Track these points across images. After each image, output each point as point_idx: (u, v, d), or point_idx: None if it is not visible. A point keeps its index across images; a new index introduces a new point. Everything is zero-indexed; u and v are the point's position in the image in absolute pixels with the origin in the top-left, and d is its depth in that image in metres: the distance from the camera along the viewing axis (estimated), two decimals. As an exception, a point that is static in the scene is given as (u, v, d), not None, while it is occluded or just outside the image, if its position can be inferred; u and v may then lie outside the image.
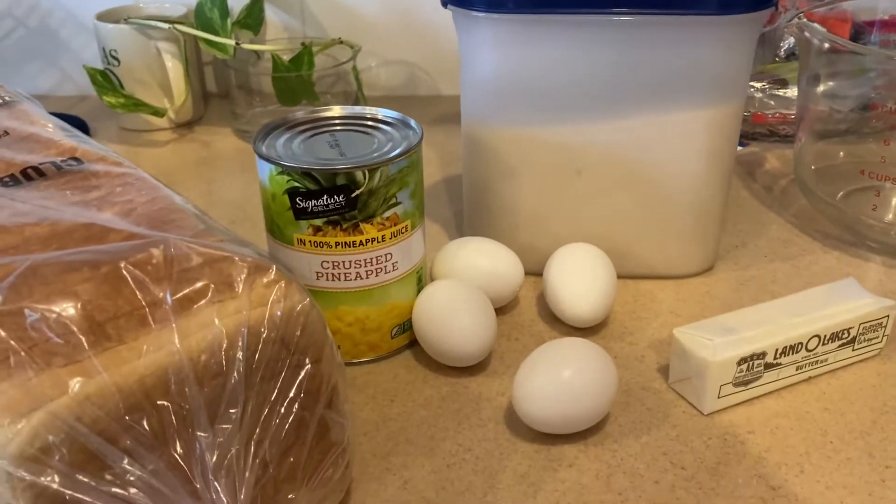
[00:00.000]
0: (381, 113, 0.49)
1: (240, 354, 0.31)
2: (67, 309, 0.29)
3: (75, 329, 0.29)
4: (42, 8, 0.87)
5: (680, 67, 0.49)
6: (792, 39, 0.76)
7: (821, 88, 0.62)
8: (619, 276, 0.54)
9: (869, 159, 0.58)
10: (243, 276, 0.32)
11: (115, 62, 0.78)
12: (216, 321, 0.31)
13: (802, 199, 0.65)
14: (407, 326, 0.49)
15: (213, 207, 0.68)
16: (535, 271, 0.54)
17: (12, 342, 0.28)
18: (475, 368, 0.48)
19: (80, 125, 0.81)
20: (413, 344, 0.50)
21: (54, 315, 0.29)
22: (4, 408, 0.27)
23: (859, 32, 0.71)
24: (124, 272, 0.30)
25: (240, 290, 0.32)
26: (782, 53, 0.77)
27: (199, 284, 0.31)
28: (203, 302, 0.31)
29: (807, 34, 0.58)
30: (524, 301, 0.54)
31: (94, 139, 0.81)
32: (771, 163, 0.73)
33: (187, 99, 0.79)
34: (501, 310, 0.53)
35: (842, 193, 0.62)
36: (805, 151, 0.63)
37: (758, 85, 0.75)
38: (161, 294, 0.30)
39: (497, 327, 0.48)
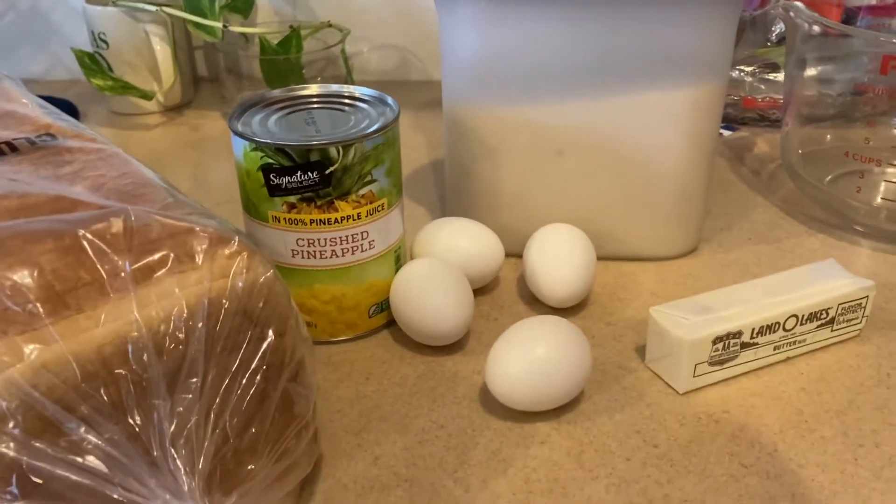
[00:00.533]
0: (359, 91, 0.49)
1: (200, 325, 0.31)
2: (25, 277, 0.29)
3: (32, 297, 0.29)
4: (33, -9, 0.87)
5: (661, 46, 0.49)
6: (783, 23, 0.75)
7: (808, 72, 0.62)
8: (601, 258, 0.54)
9: (854, 142, 0.58)
10: (204, 247, 0.32)
11: (104, 45, 0.78)
12: (176, 291, 0.31)
13: (790, 184, 0.64)
14: (385, 306, 0.49)
15: (199, 190, 0.68)
16: (516, 252, 0.54)
17: (-32, 309, 0.28)
18: (452, 347, 0.48)
19: (70, 108, 0.81)
20: (391, 323, 0.50)
21: (10, 283, 0.29)
22: (-41, 374, 0.27)
23: (850, 17, 0.71)
24: (83, 242, 0.30)
25: (201, 261, 0.31)
26: (774, 37, 0.76)
27: (159, 255, 0.31)
28: (163, 272, 0.31)
29: (793, 16, 0.58)
30: (504, 282, 0.54)
31: (84, 123, 0.81)
32: (760, 147, 0.72)
33: (175, 82, 0.79)
34: (482, 290, 0.53)
35: (829, 177, 0.62)
36: (792, 136, 0.63)
37: (748, 69, 0.75)
38: (121, 263, 0.30)
39: (475, 307, 0.48)
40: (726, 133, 0.75)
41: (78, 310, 0.29)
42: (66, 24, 0.89)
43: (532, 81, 0.51)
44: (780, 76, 0.74)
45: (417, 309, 0.46)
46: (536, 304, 0.52)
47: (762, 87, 0.74)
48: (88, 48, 0.79)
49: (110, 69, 0.78)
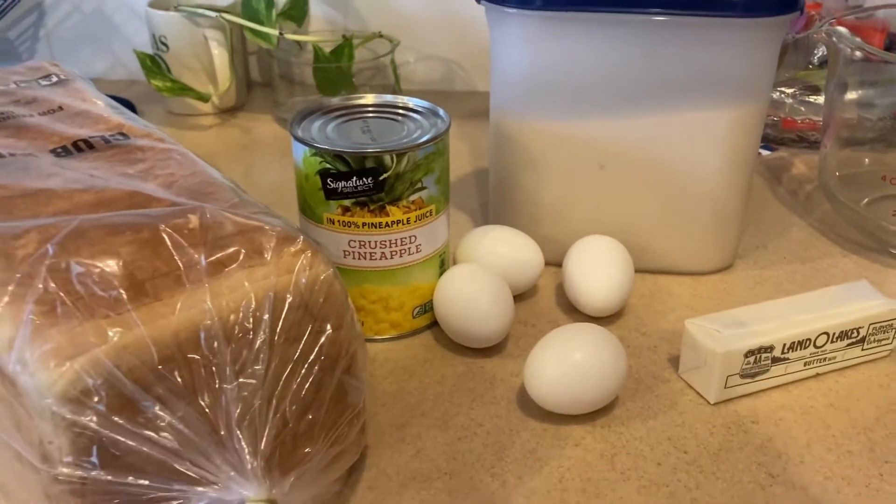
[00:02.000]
0: (412, 102, 0.51)
1: (266, 316, 0.33)
2: (111, 265, 0.32)
3: (117, 284, 0.32)
4: (98, -6, 0.91)
5: (705, 67, 0.51)
6: (826, 47, 0.76)
7: (848, 96, 0.63)
8: (638, 270, 0.56)
9: (892, 166, 0.59)
10: (272, 245, 0.34)
11: (164, 48, 0.81)
12: (246, 284, 0.33)
13: (826, 205, 0.66)
14: (428, 307, 0.51)
15: (251, 190, 0.70)
16: (555, 262, 0.56)
17: (60, 293, 0.31)
18: (491, 350, 0.50)
19: (130, 107, 0.84)
20: (433, 325, 0.52)
21: (98, 270, 0.32)
22: (51, 352, 0.30)
23: (894, 42, 0.72)
24: (163, 235, 0.33)
25: (268, 258, 0.34)
26: (815, 61, 0.77)
27: (231, 250, 0.34)
28: (234, 266, 0.33)
29: (836, 41, 0.59)
30: (543, 290, 0.56)
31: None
32: (798, 168, 0.74)
33: (231, 86, 0.82)
34: (520, 297, 0.55)
35: (866, 200, 0.63)
36: (830, 158, 0.64)
37: (789, 91, 0.76)
38: (196, 257, 0.33)
39: (514, 312, 0.50)
40: (765, 153, 0.76)
41: (156, 297, 0.32)
42: (127, 26, 0.92)
43: (577, 97, 0.53)
44: (820, 99, 0.75)
45: (460, 311, 0.49)
46: (574, 312, 0.54)
47: (802, 108, 0.76)
48: (148, 50, 0.83)
49: (169, 71, 0.82)
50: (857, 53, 0.59)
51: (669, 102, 0.52)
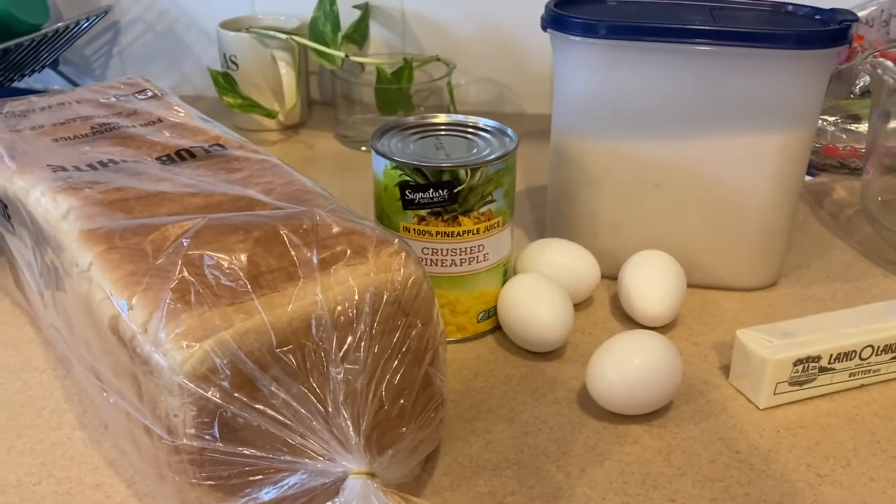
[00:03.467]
0: (482, 122, 0.55)
1: (366, 309, 0.37)
2: (236, 259, 0.36)
3: (241, 276, 0.36)
4: (170, 15, 0.96)
5: (756, 95, 0.54)
6: (867, 77, 0.79)
7: (891, 125, 0.66)
8: (689, 285, 0.59)
9: (933, 192, 0.62)
10: (373, 246, 0.38)
11: (234, 66, 0.86)
12: (350, 280, 0.37)
13: (867, 228, 0.68)
14: (492, 313, 0.55)
15: (315, 201, 0.75)
16: (610, 275, 0.59)
17: (193, 281, 0.35)
18: (551, 355, 0.53)
19: (198, 122, 0.89)
20: (495, 329, 0.55)
21: (226, 263, 0.36)
22: (184, 333, 0.34)
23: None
24: (281, 234, 0.37)
25: (369, 257, 0.38)
26: (857, 90, 0.80)
27: (338, 249, 0.37)
28: (340, 263, 0.37)
29: (880, 72, 0.62)
30: (599, 301, 0.59)
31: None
32: (839, 193, 0.77)
33: (297, 104, 0.86)
34: (577, 307, 0.58)
35: (907, 224, 0.65)
36: (872, 183, 0.67)
37: (831, 119, 0.79)
38: (309, 254, 0.37)
39: (574, 319, 0.53)
40: (807, 178, 0.79)
41: (274, 289, 0.36)
42: (196, 45, 0.98)
43: (635, 120, 0.57)
44: (861, 127, 0.78)
45: (523, 317, 0.52)
46: (628, 322, 0.57)
47: (843, 136, 0.79)
48: (217, 68, 0.88)
49: (238, 88, 0.87)
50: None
51: (721, 127, 0.55)
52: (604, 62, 0.56)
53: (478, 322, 0.55)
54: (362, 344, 0.36)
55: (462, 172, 0.49)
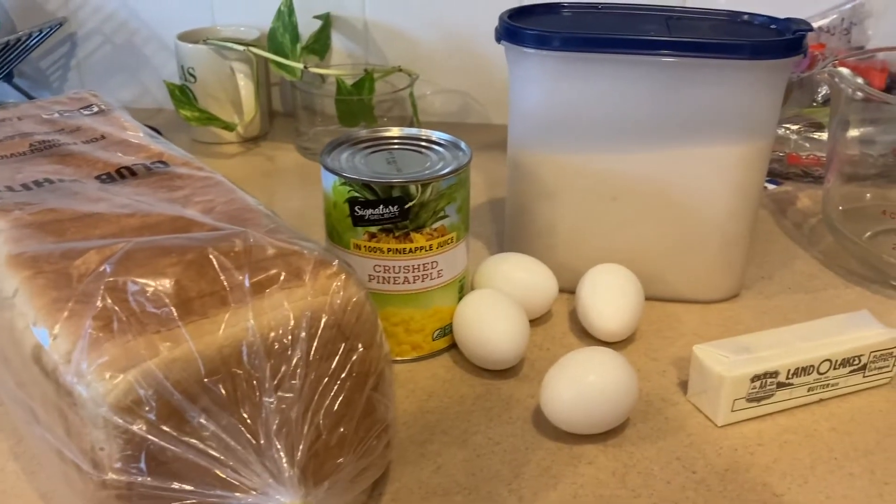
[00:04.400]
0: (435, 135, 0.54)
1: (303, 335, 0.36)
2: (162, 284, 0.34)
3: (168, 302, 0.34)
4: (129, 26, 0.95)
5: (713, 106, 0.54)
6: (829, 85, 0.79)
7: (850, 133, 0.66)
8: (648, 298, 0.58)
9: (892, 201, 0.61)
10: (310, 268, 0.37)
11: (192, 79, 0.85)
12: (285, 304, 0.36)
13: (829, 238, 0.68)
14: (448, 330, 0.54)
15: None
16: (569, 289, 0.58)
17: (116, 309, 0.34)
18: (508, 372, 0.52)
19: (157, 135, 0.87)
20: (452, 347, 0.54)
21: (151, 289, 0.34)
22: (107, 364, 0.33)
23: (895, 82, 0.75)
24: (211, 257, 0.36)
25: (306, 280, 0.36)
26: (820, 98, 0.80)
27: (272, 272, 0.36)
28: (275, 287, 0.36)
29: (838, 82, 0.62)
30: (557, 315, 0.58)
31: (170, 148, 0.87)
32: (802, 202, 0.76)
33: (256, 116, 0.85)
34: (535, 322, 0.57)
35: (868, 234, 0.65)
36: (833, 193, 0.67)
37: (794, 127, 0.79)
38: (240, 278, 0.35)
39: (530, 336, 0.52)
40: (771, 187, 0.78)
41: (203, 315, 0.35)
42: (155, 57, 0.96)
43: (592, 133, 0.56)
44: (824, 135, 0.77)
45: (478, 334, 0.51)
46: (586, 337, 0.56)
47: (807, 144, 0.78)
48: (176, 80, 0.86)
49: (196, 101, 0.85)
50: (858, 94, 0.61)
51: (679, 139, 0.55)
52: (558, 74, 0.55)
53: (433, 340, 0.53)
54: (298, 371, 0.35)
55: (413, 188, 0.48)
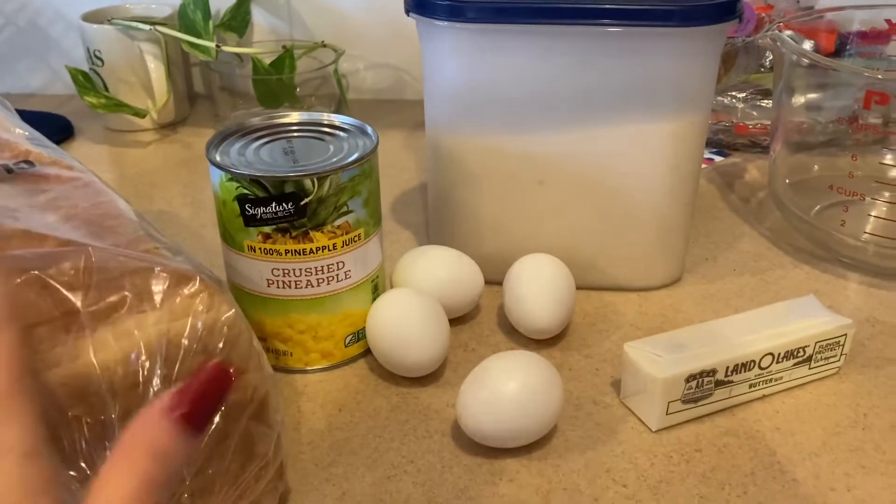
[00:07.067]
0: (339, 119, 0.49)
1: (158, 366, 0.31)
2: (-20, 317, 0.29)
3: (-13, 338, 0.29)
4: (31, 7, 0.88)
5: (641, 79, 0.49)
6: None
7: (796, 100, 0.61)
8: (583, 288, 0.54)
9: (839, 174, 0.58)
10: (164, 288, 0.32)
11: (100, 62, 0.78)
12: (135, 332, 0.31)
13: (777, 213, 0.64)
14: (361, 335, 0.49)
15: (190, 209, 0.68)
16: (498, 280, 0.54)
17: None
18: (428, 379, 0.48)
19: (65, 124, 0.81)
20: (368, 352, 0.50)
21: (-34, 323, 0.29)
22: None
23: (844, 43, 0.70)
24: (42, 281, 0.30)
25: (160, 302, 0.32)
26: (767, 64, 0.76)
27: (118, 295, 0.31)
28: (122, 312, 0.31)
29: (779, 46, 0.58)
30: (485, 310, 0.54)
31: (79, 139, 0.82)
32: (751, 174, 0.72)
33: (169, 100, 0.79)
34: (461, 319, 0.53)
35: (816, 209, 0.61)
36: (779, 164, 0.63)
37: (741, 95, 0.75)
38: (78, 304, 0.30)
39: (450, 338, 0.48)
40: (717, 159, 0.74)
41: (33, 350, 0.30)
42: (64, 40, 0.89)
43: (512, 111, 0.51)
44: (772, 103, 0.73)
45: (391, 340, 0.46)
46: (515, 334, 0.51)
47: (754, 113, 0.74)
48: (85, 65, 0.80)
49: (105, 86, 0.79)
50: (796, 58, 0.57)
51: (607, 115, 0.50)
52: (474, 48, 0.50)
53: (346, 346, 0.49)
54: (152, 408, 0.30)
55: (308, 182, 0.43)
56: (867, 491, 0.40)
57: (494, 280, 0.54)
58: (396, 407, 0.46)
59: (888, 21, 0.64)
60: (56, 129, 0.79)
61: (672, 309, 0.54)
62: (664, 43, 0.48)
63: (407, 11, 0.51)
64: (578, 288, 0.52)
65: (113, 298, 0.31)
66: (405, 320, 0.47)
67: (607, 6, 0.47)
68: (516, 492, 0.40)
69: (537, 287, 0.50)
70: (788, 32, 0.59)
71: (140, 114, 0.77)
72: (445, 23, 0.49)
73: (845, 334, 0.46)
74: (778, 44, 0.57)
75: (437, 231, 0.57)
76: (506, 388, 0.41)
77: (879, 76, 0.57)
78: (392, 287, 0.52)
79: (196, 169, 0.75)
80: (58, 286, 0.30)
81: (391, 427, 0.45)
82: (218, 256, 0.48)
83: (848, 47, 0.67)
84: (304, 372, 0.49)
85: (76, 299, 0.30)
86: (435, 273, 0.51)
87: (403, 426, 0.45)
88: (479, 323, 0.53)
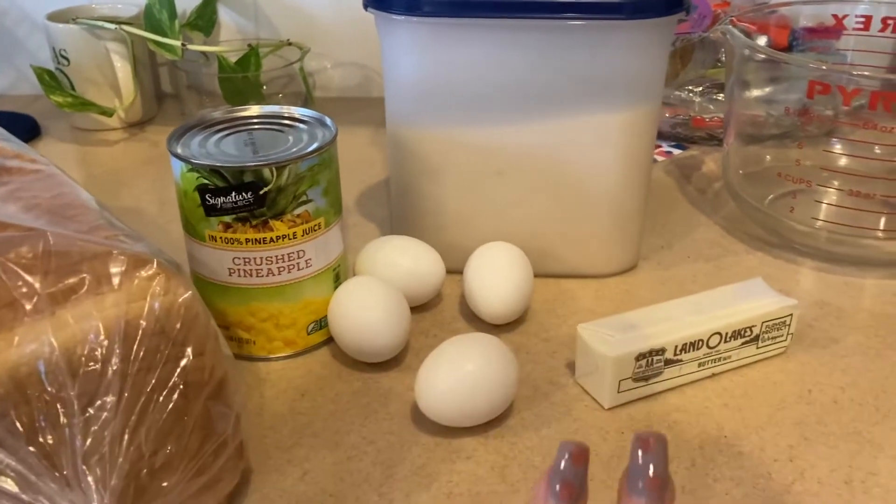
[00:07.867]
0: (298, 112, 0.50)
1: (116, 346, 0.32)
2: (-60, 299, 0.30)
3: (-54, 319, 0.30)
4: (-3, 7, 0.88)
5: (594, 71, 0.50)
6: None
7: (747, 94, 0.63)
8: (542, 275, 0.55)
9: (787, 164, 0.60)
10: (122, 270, 0.33)
11: (66, 62, 0.79)
12: (94, 313, 0.32)
13: (732, 203, 0.66)
14: (323, 323, 0.50)
15: (156, 206, 0.69)
16: (459, 269, 0.55)
17: None
18: (389, 364, 0.49)
19: (31, 124, 0.81)
20: (331, 341, 0.51)
21: (-75, 305, 0.30)
22: None
23: (796, 38, 0.73)
24: (2, 262, 0.31)
25: (118, 284, 0.32)
26: (723, 58, 0.78)
27: (76, 278, 0.32)
28: (81, 294, 0.32)
29: (730, 40, 0.59)
30: (447, 298, 0.55)
31: (46, 138, 0.82)
32: (708, 166, 0.74)
33: (136, 99, 0.80)
34: (423, 307, 0.54)
35: (770, 198, 0.63)
36: (733, 156, 0.65)
37: (697, 89, 0.77)
38: (37, 286, 0.31)
39: (414, 323, 0.49)
40: (676, 152, 0.76)
41: (-7, 331, 0.30)
42: (30, 39, 0.89)
43: (470, 103, 0.52)
44: (729, 96, 0.75)
45: (352, 326, 0.47)
46: (476, 321, 0.53)
47: (711, 106, 0.76)
48: (51, 64, 0.80)
49: (72, 86, 0.79)
50: (746, 52, 0.59)
51: (561, 107, 0.52)
52: (431, 42, 0.51)
53: (308, 334, 0.50)
54: (111, 388, 0.31)
55: (266, 172, 0.44)
56: (808, 461, 0.42)
57: (457, 269, 0.55)
58: (358, 391, 0.47)
59: (834, 16, 0.66)
60: (23, 128, 0.80)
61: (628, 294, 0.56)
62: (616, 36, 0.50)
63: (365, 6, 0.52)
64: (538, 275, 0.54)
65: (72, 281, 0.32)
66: (365, 306, 0.48)
67: (559, 0, 0.49)
68: (473, 468, 0.42)
69: (495, 274, 0.51)
70: (741, 27, 0.61)
71: (107, 113, 0.78)
72: (402, 17, 0.51)
73: (791, 314, 0.48)
74: (728, 37, 0.59)
75: (400, 222, 0.58)
76: (463, 369, 0.43)
77: (824, 67, 0.59)
78: (356, 276, 0.53)
79: (163, 167, 0.76)
80: (17, 269, 0.31)
81: (352, 410, 0.46)
82: (184, 250, 0.49)
83: (799, 42, 0.69)
84: (268, 360, 0.49)
85: (35, 281, 0.31)
86: (397, 262, 0.52)
87: (364, 409, 0.46)
88: (441, 311, 0.54)
